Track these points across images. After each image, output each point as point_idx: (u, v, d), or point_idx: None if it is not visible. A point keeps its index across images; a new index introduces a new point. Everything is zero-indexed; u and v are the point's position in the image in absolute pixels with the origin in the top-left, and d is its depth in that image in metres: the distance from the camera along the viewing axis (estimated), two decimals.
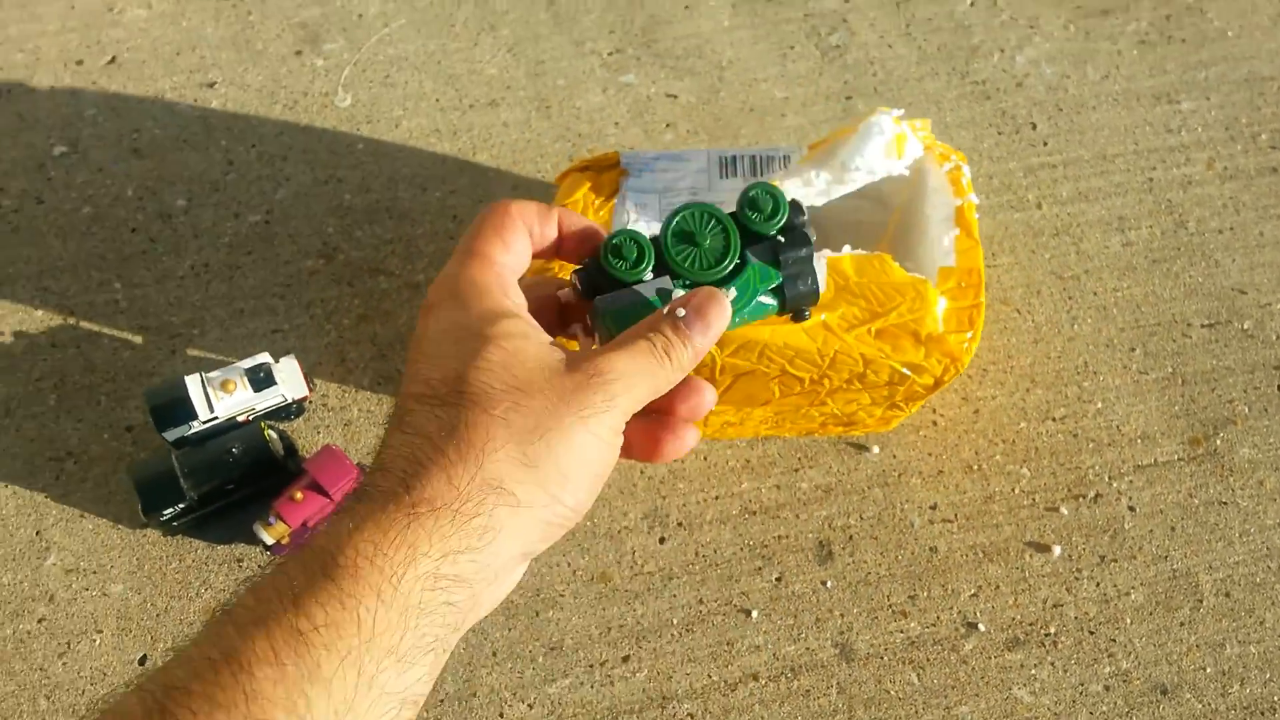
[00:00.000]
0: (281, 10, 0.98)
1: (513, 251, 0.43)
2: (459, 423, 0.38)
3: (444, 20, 0.97)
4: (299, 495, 0.69)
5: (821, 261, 0.62)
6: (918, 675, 0.70)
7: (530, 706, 0.69)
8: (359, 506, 0.36)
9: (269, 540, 0.70)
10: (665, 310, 0.42)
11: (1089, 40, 0.95)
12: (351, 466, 0.71)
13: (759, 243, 0.45)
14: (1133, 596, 0.72)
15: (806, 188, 0.62)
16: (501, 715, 0.69)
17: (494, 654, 0.71)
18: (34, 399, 0.79)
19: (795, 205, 0.45)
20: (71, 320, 0.82)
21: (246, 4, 0.98)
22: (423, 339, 0.41)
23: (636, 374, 0.40)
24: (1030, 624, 0.71)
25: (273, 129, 0.90)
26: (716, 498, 0.75)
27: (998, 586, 0.72)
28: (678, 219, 0.45)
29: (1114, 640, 0.70)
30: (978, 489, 0.75)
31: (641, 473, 0.76)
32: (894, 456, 0.76)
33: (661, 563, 0.73)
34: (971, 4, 0.97)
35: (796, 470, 0.76)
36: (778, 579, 0.73)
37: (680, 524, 0.75)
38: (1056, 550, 0.73)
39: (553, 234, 0.45)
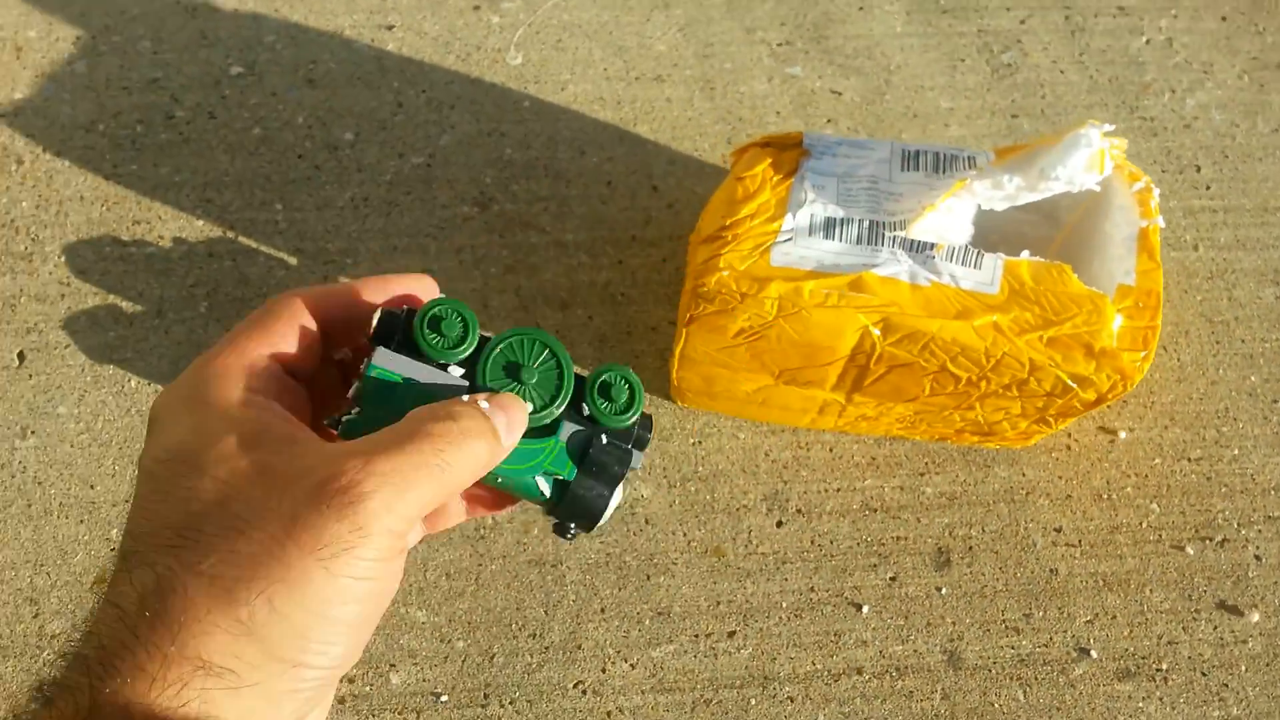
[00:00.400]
0: None
1: (279, 342, 0.35)
2: (157, 587, 0.29)
3: None
4: None
5: (999, 261, 0.62)
6: (1024, 692, 0.69)
7: (632, 666, 0.70)
8: (36, 712, 0.28)
9: None
10: (462, 398, 0.34)
11: (1262, 92, 0.93)
12: None
13: (580, 420, 0.38)
14: (1250, 645, 0.71)
15: (995, 190, 0.62)
16: (604, 670, 0.70)
17: (602, 610, 0.72)
18: (186, 304, 0.82)
19: (646, 419, 0.40)
20: (230, 234, 0.85)
21: None
22: (139, 473, 0.32)
23: (411, 471, 0.30)
24: (1143, 657, 0.70)
25: (444, 77, 0.93)
26: (838, 490, 0.76)
27: (1114, 616, 0.71)
28: (507, 342, 0.38)
29: (1226, 685, 0.70)
30: (1105, 518, 0.75)
31: (765, 455, 0.76)
32: (1023, 475, 0.76)
33: (776, 546, 0.74)
34: (1147, 41, 0.96)
35: (922, 474, 0.76)
36: (892, 578, 0.73)
37: (799, 511, 0.75)
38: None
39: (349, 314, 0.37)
